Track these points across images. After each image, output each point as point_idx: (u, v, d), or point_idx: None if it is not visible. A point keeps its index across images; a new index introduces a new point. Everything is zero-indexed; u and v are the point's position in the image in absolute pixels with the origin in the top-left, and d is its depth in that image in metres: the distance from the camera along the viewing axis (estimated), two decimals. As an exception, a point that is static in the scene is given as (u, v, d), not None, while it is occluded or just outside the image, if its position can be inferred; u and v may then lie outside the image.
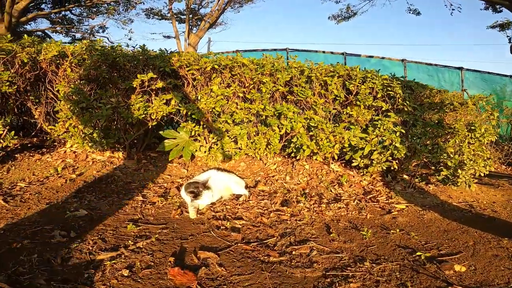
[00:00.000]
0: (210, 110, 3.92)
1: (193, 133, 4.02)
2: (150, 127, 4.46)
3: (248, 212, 2.98)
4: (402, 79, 4.30)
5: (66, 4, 8.84)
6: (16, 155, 4.08)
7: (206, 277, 1.96)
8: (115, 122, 3.95)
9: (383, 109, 4.04)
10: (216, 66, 4.00)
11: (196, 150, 4.10)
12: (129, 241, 2.30)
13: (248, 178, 3.98)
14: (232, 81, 4.10)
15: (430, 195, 3.90)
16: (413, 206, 3.41)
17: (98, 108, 3.74)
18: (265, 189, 3.65)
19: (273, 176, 4.00)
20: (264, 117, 4.07)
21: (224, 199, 3.24)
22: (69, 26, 12.10)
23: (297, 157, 4.16)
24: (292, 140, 4.02)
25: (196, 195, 2.98)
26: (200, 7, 16.12)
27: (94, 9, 11.40)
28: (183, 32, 15.32)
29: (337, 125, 4.00)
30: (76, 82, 3.86)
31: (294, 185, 3.81)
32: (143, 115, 3.78)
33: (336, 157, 4.11)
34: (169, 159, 4.21)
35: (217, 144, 4.08)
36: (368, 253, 2.38)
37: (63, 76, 3.92)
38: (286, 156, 4.44)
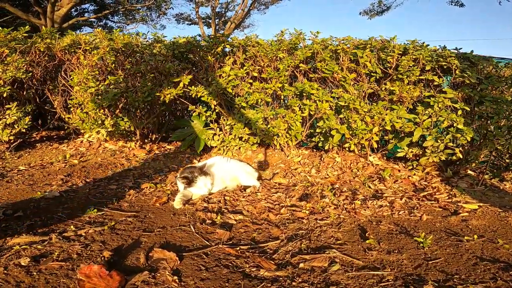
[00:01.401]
0: (222, 92, 3.09)
1: (203, 119, 3.21)
2: (166, 116, 3.77)
3: (252, 206, 2.03)
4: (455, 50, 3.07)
5: (104, 11, 8.90)
6: (36, 145, 3.64)
7: (140, 287, 1.06)
8: (126, 110, 3.32)
9: (435, 83, 2.85)
10: (228, 46, 3.19)
11: (209, 139, 3.27)
12: (72, 227, 1.51)
13: (265, 171, 3.02)
14: (246, 61, 3.25)
15: (508, 194, 2.57)
16: (489, 207, 2.17)
17: (107, 92, 3.14)
18: (283, 181, 2.67)
19: (295, 169, 3.00)
20: (282, 98, 3.13)
21: (228, 190, 2.34)
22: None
23: (325, 147, 3.12)
24: (317, 125, 3.00)
25: (189, 182, 2.12)
26: (226, 10, 15.79)
27: (130, 17, 11.56)
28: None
29: (375, 104, 2.90)
30: (89, 69, 3.32)
31: (320, 179, 2.77)
32: (149, 99, 3.08)
33: (375, 146, 2.99)
34: (181, 149, 3.44)
35: (231, 132, 3.22)
36: (429, 269, 1.30)
37: (77, 64, 3.42)
38: (314, 150, 3.42)
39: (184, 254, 1.33)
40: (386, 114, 2.75)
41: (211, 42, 3.35)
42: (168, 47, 3.31)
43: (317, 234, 1.62)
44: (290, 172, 2.91)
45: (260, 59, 3.18)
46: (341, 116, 2.93)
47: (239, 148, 3.27)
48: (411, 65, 2.93)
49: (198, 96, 3.08)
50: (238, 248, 1.42)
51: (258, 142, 3.22)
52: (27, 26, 3.43)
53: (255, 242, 1.52)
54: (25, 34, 3.39)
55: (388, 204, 2.18)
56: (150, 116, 3.37)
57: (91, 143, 3.59)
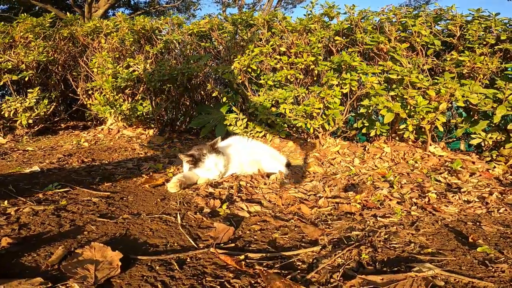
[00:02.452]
0: (245, 69, 2.45)
1: (225, 99, 2.60)
2: (190, 105, 3.23)
3: (277, 194, 1.33)
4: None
5: (137, 12, 8.78)
6: (60, 132, 3.29)
7: None
8: (146, 94, 2.83)
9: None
10: (251, 22, 2.58)
11: (231, 125, 2.64)
12: (5, 202, 0.96)
13: (296, 160, 2.31)
14: (272, 38, 2.61)
15: None
16: None
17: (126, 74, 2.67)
18: (319, 170, 1.94)
19: (333, 159, 2.24)
20: (315, 75, 2.42)
21: (250, 173, 1.66)
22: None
23: (371, 134, 2.33)
24: (362, 104, 2.23)
25: (196, 161, 1.49)
26: (253, 10, 15.27)
27: (162, 16, 11.42)
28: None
29: (436, 78, 2.08)
30: (108, 51, 2.91)
31: (366, 170, 1.99)
32: (166, 77, 2.54)
33: (441, 130, 2.15)
34: (200, 137, 2.85)
35: (255, 115, 2.56)
36: None
37: (98, 48, 3.03)
38: (353, 141, 2.64)
39: (141, 258, 0.68)
40: (455, 90, 1.91)
41: (235, 19, 2.76)
42: (189, 28, 2.79)
43: (383, 238, 0.88)
44: (327, 162, 2.16)
45: (287, 34, 2.52)
46: (392, 93, 2.14)
47: (265, 135, 2.59)
48: (481, 34, 2.09)
49: (219, 74, 2.48)
50: (242, 257, 0.73)
51: (287, 127, 2.52)
52: (52, 13, 3.12)
53: (275, 247, 0.83)
54: (49, 20, 3.08)
55: (477, 200, 1.35)
56: (169, 99, 2.83)
57: (110, 130, 3.14)
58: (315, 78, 2.51)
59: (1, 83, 2.84)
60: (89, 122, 3.83)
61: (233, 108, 2.65)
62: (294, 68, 2.41)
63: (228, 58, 2.64)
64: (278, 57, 2.50)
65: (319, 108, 2.24)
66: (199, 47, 2.76)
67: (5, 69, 2.83)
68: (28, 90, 2.93)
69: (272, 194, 1.34)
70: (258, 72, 2.60)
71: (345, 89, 2.21)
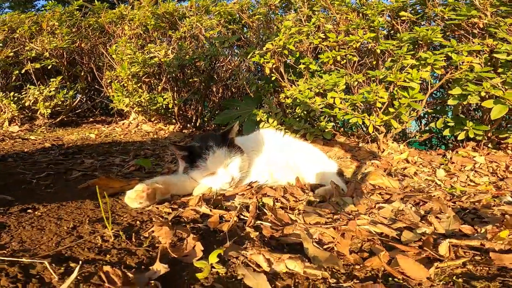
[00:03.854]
0: (280, 50, 1.81)
1: (253, 90, 1.97)
2: (216, 97, 2.67)
3: (333, 227, 0.62)
4: None
5: None
6: (83, 125, 2.94)
7: None
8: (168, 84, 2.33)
9: None
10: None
11: (262, 121, 1.98)
12: None
13: (348, 168, 1.58)
14: (313, 14, 1.93)
15: None
16: None
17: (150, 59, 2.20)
18: (391, 184, 1.19)
19: (404, 168, 1.48)
20: (374, 59, 1.69)
21: (278, 187, 0.98)
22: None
23: (458, 137, 1.52)
24: (450, 92, 1.44)
25: (193, 159, 0.85)
26: None
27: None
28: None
29: None
30: (132, 39, 2.49)
31: (463, 185, 1.19)
32: (185, 63, 2.00)
33: None
34: (225, 135, 2.24)
35: (292, 109, 1.90)
36: None
37: (122, 35, 2.63)
38: (425, 149, 1.83)
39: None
40: None
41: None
42: (216, 10, 2.25)
43: None
44: (395, 172, 1.40)
45: (334, 9, 1.83)
46: (498, 80, 1.32)
47: (304, 135, 1.90)
48: None
49: (248, 57, 1.87)
50: None
51: (333, 127, 1.81)
52: (80, 1, 2.82)
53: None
54: (76, 7, 2.78)
55: None
56: (191, 89, 2.29)
57: (130, 124, 2.70)
58: (374, 62, 1.77)
59: (23, 71, 2.55)
60: (111, 117, 3.48)
61: (265, 100, 2.01)
62: (346, 47, 1.71)
63: (260, 41, 2.02)
64: (322, 35, 1.82)
65: (384, 98, 1.49)
66: (228, 31, 2.20)
67: (30, 57, 2.55)
68: (52, 80, 2.61)
69: (324, 226, 0.65)
70: (297, 55, 1.95)
71: (424, 71, 1.44)
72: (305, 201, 0.83)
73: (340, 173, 1.25)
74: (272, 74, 1.95)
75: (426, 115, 1.91)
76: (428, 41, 1.48)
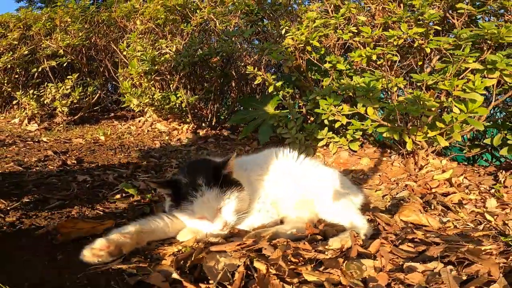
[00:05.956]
0: (302, 46, 1.59)
1: (271, 90, 1.79)
2: (234, 95, 2.54)
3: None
4: None
5: None
6: (103, 121, 2.98)
7: None
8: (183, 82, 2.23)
9: None
10: None
11: (279, 125, 1.81)
12: None
13: (374, 189, 1.38)
14: (343, 4, 1.66)
15: None
16: None
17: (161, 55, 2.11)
18: (424, 222, 0.97)
19: (445, 195, 1.24)
20: (422, 56, 1.41)
21: (289, 231, 0.81)
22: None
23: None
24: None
25: (178, 198, 0.72)
26: None
27: None
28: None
29: None
30: (144, 34, 2.41)
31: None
32: (196, 59, 1.87)
33: None
34: (239, 138, 2.12)
35: (316, 114, 1.70)
36: None
37: (134, 30, 2.56)
38: (469, 164, 1.55)
39: None
40: None
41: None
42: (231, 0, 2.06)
43: None
44: (434, 201, 1.17)
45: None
46: None
47: (327, 144, 1.69)
48: None
49: (264, 54, 1.68)
50: None
51: (363, 133, 1.60)
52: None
53: None
54: (88, 2, 2.74)
55: None
56: (205, 88, 2.17)
57: (145, 123, 2.67)
58: (419, 63, 1.49)
59: (40, 69, 2.59)
60: (131, 113, 3.49)
61: (284, 102, 1.82)
62: (383, 44, 1.44)
63: (277, 29, 1.81)
64: (354, 29, 1.56)
65: (431, 110, 1.23)
66: (246, 24, 2.01)
67: (45, 55, 2.58)
68: (68, 77, 2.63)
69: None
70: (322, 51, 1.71)
71: (490, 79, 1.15)
72: (311, 261, 0.67)
73: (366, 204, 1.06)
74: (292, 74, 1.75)
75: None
76: (500, 40, 1.18)
